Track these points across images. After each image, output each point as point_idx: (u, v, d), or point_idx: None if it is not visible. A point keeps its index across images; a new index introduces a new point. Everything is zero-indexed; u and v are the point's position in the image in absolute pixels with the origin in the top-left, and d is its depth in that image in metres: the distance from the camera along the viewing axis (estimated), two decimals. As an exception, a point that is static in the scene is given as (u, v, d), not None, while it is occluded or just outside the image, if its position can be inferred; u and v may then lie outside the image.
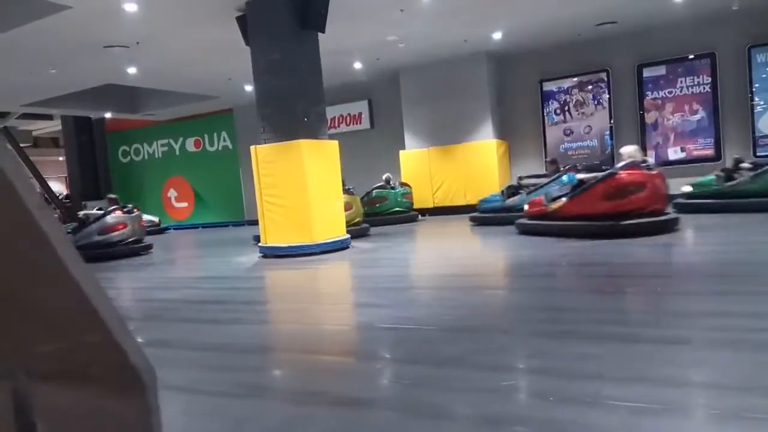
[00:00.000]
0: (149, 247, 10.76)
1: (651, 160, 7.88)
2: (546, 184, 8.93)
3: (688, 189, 9.17)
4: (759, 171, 8.36)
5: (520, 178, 10.30)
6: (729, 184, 8.58)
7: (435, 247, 8.79)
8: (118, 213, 10.42)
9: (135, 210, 10.92)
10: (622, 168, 7.24)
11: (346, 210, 9.04)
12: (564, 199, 7.72)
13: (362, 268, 7.02)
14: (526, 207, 8.63)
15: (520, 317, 3.89)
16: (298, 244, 7.98)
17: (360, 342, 3.72)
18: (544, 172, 9.91)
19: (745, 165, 8.61)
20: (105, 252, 9.82)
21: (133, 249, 10.34)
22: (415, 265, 7.34)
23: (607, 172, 7.40)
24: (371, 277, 6.34)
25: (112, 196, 11.23)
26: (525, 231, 8.34)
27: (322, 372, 3.14)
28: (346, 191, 10.17)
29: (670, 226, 7.17)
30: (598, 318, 3.64)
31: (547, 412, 2.24)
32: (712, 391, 2.35)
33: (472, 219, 10.44)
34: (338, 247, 8.26)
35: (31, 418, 0.41)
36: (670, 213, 7.65)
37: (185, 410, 2.62)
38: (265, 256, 8.29)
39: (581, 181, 7.73)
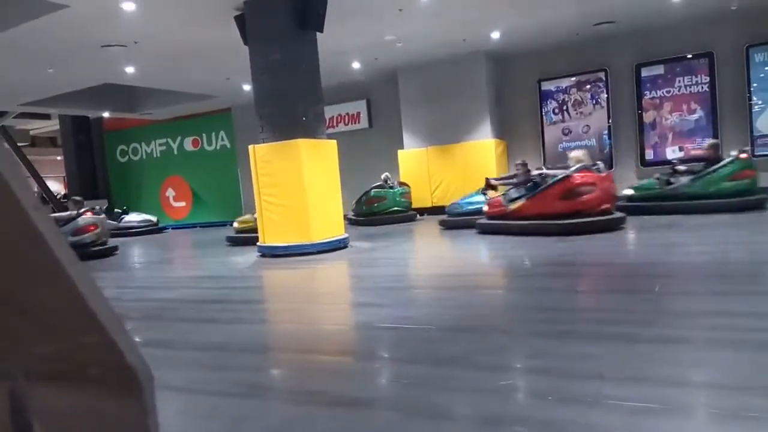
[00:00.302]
0: (115, 248, 10.79)
1: (600, 163, 8.51)
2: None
3: (629, 192, 9.58)
4: (696, 175, 8.89)
5: (488, 181, 10.26)
6: (669, 187, 9.07)
7: (433, 247, 8.78)
8: (89, 215, 10.45)
9: (102, 212, 11.12)
10: (576, 171, 7.88)
11: None
12: (523, 200, 8.23)
13: (360, 267, 7.02)
14: (485, 208, 9.05)
15: (519, 317, 3.89)
16: (297, 244, 7.97)
17: (359, 342, 3.72)
18: (514, 172, 9.88)
19: (681, 168, 9.18)
20: (76, 253, 9.82)
21: (102, 250, 10.36)
22: (414, 265, 7.34)
23: (562, 174, 7.95)
24: (369, 276, 6.34)
25: (78, 198, 11.28)
26: (486, 231, 8.74)
27: (321, 372, 3.13)
28: None
29: (618, 224, 7.81)
30: (597, 318, 3.64)
31: (546, 412, 2.23)
32: (712, 390, 2.35)
33: (442, 223, 10.29)
34: (336, 246, 8.25)
35: (27, 419, 0.40)
36: (616, 212, 8.14)
37: (184, 410, 2.62)
38: (263, 256, 8.28)
39: (536, 183, 8.43)
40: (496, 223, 8.58)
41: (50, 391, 0.38)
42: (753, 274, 4.51)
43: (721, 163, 8.76)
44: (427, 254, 8.17)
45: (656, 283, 4.42)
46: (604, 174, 8.11)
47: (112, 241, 11.17)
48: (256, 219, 10.46)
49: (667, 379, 2.44)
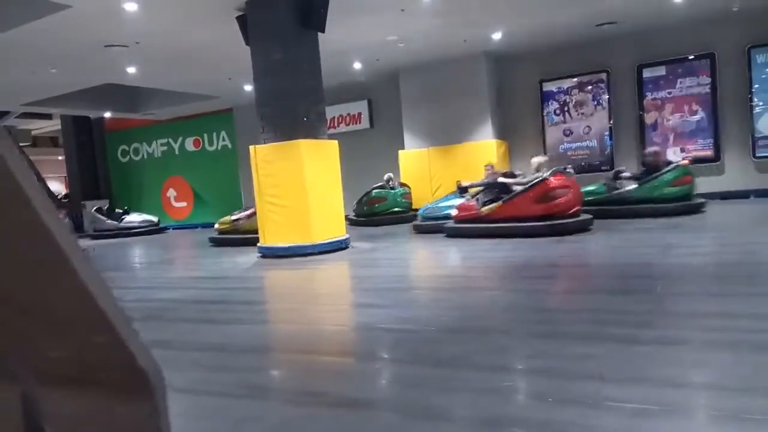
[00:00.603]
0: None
1: (570, 167, 9.02)
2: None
3: None
4: (639, 181, 9.44)
5: (460, 184, 10.28)
6: (616, 192, 9.53)
7: (431, 247, 8.77)
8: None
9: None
10: (551, 174, 8.19)
11: None
12: (499, 203, 8.42)
13: (361, 268, 7.03)
14: (454, 212, 9.08)
15: (518, 318, 3.89)
16: (298, 244, 7.97)
17: (359, 342, 3.73)
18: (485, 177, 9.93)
19: (625, 174, 9.73)
20: None
21: None
22: (414, 266, 7.35)
23: (540, 177, 8.19)
24: (370, 277, 6.34)
25: None
26: (455, 234, 8.80)
27: (322, 372, 3.14)
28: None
29: (589, 226, 8.12)
30: (595, 318, 3.64)
31: (546, 414, 2.24)
32: (712, 392, 2.36)
33: (416, 227, 10.22)
34: (337, 247, 8.26)
35: (39, 422, 0.40)
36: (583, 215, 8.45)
37: (185, 411, 2.63)
38: (264, 256, 8.29)
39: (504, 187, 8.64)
40: (467, 227, 8.67)
41: (61, 394, 0.38)
42: (750, 275, 4.52)
43: (665, 169, 9.31)
44: (427, 255, 8.17)
45: (652, 284, 4.42)
46: (574, 177, 8.51)
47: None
48: (233, 221, 10.96)
49: (666, 380, 2.45)
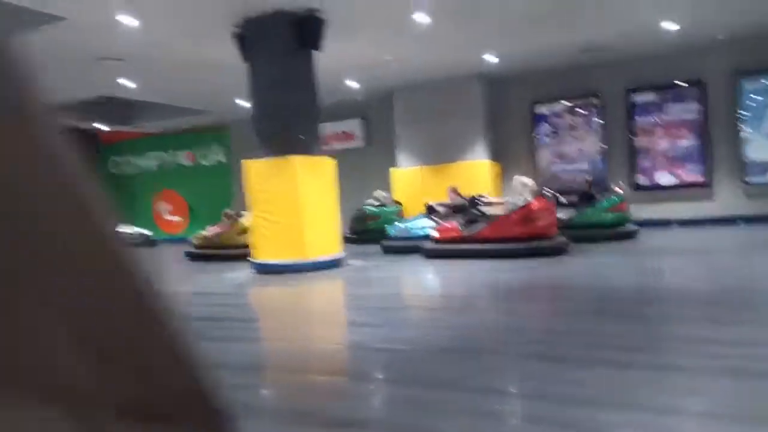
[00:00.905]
0: None
1: (549, 190, 9.49)
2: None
3: None
4: (576, 208, 9.88)
5: (429, 205, 10.44)
6: (559, 218, 9.66)
7: (423, 267, 8.75)
8: None
9: None
10: (534, 198, 8.43)
11: None
12: (483, 225, 8.61)
13: (355, 286, 7.01)
14: (434, 233, 9.09)
15: (511, 339, 3.89)
16: (292, 261, 7.94)
17: (353, 362, 3.71)
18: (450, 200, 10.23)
19: (562, 201, 10.04)
20: None
21: None
22: (407, 285, 7.34)
23: (523, 200, 8.38)
24: (364, 296, 6.32)
25: None
26: (436, 255, 8.76)
27: (315, 392, 3.12)
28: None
29: (567, 248, 8.21)
30: (589, 341, 3.64)
31: (541, 438, 2.23)
32: (706, 419, 2.36)
33: (385, 248, 10.14)
34: (332, 264, 8.22)
35: None
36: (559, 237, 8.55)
37: None
38: (257, 272, 8.25)
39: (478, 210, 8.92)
40: (448, 248, 8.66)
41: None
42: (744, 299, 4.54)
43: (602, 197, 9.91)
44: (417, 274, 8.15)
45: (642, 307, 4.44)
46: (552, 202, 8.92)
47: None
48: (205, 236, 11.37)
49: (661, 406, 2.45)
